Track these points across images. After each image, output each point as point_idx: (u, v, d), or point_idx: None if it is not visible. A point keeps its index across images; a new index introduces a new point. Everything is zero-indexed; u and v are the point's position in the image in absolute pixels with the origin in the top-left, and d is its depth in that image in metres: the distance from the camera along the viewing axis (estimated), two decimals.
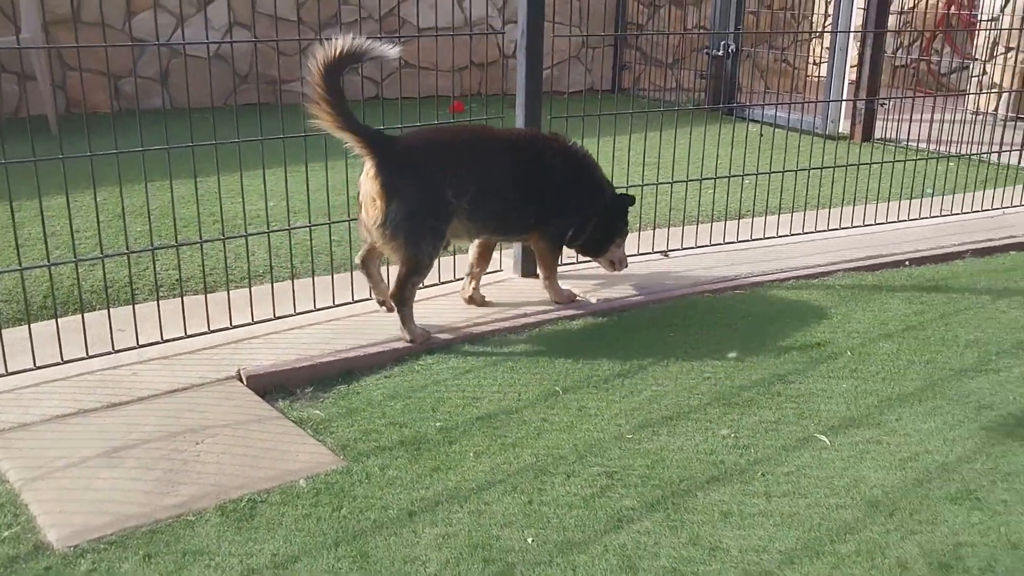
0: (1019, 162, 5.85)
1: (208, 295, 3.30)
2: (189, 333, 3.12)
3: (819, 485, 2.35)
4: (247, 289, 3.43)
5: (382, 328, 3.26)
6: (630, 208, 3.64)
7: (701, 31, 9.62)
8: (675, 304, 3.64)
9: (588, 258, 3.76)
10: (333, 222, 3.73)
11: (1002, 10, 8.32)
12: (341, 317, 3.39)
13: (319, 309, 3.39)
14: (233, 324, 3.20)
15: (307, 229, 3.75)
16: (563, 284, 3.67)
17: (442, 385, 2.90)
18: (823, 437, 2.60)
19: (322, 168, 3.65)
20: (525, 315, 3.47)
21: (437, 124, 3.70)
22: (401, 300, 3.17)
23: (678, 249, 4.28)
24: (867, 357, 3.16)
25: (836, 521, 2.19)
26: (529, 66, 3.59)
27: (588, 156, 3.55)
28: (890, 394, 2.88)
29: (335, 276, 3.53)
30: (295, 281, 3.52)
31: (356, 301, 3.48)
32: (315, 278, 3.60)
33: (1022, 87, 8.28)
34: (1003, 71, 8.42)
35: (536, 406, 2.77)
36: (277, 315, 3.30)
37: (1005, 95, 8.30)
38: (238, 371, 2.91)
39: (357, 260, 3.35)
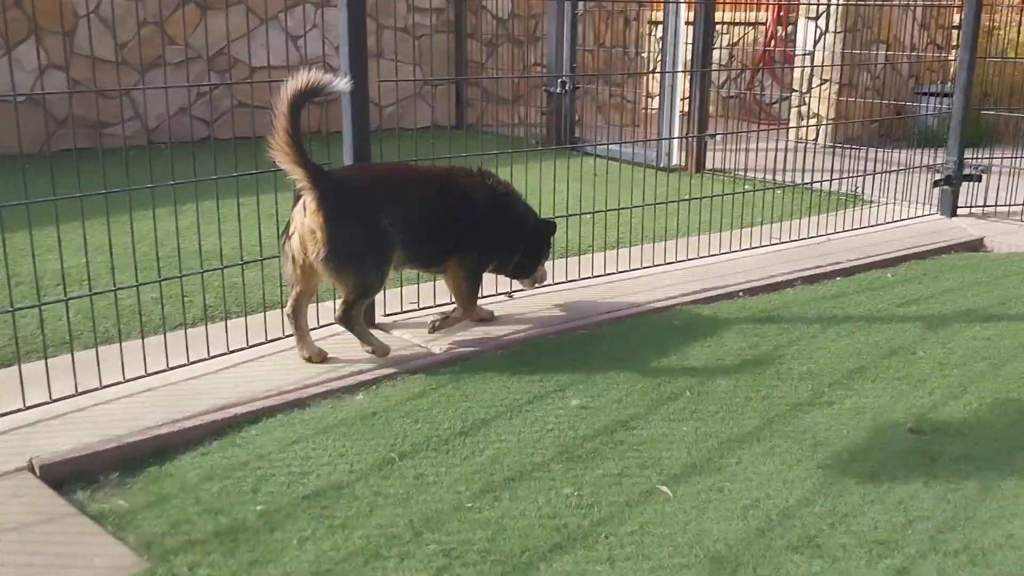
0: (840, 189, 6.11)
1: None
2: None
3: (663, 543, 2.27)
4: (43, 362, 3.08)
5: (200, 397, 3.00)
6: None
7: (537, 70, 9.71)
8: (518, 349, 3.54)
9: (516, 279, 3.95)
10: (141, 284, 3.43)
11: (814, 45, 8.77)
12: (156, 387, 3.10)
13: (129, 380, 3.10)
14: (27, 405, 2.87)
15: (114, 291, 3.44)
16: (397, 333, 3.52)
17: (265, 460, 2.68)
18: (666, 488, 2.53)
19: (128, 221, 3.37)
20: (362, 372, 3.28)
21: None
22: (350, 320, 3.30)
23: (520, 290, 4.19)
24: (706, 395, 3.13)
25: None
26: (354, 110, 3.43)
27: (511, 190, 3.72)
28: (729, 435, 2.85)
29: (146, 340, 3.25)
30: (99, 349, 3.19)
31: (172, 368, 3.20)
32: (122, 344, 3.28)
33: (837, 117, 8.74)
34: (819, 102, 8.87)
35: (369, 477, 2.59)
36: (80, 390, 2.99)
37: (825, 123, 8.74)
38: (30, 461, 2.59)
39: (288, 310, 3.33)
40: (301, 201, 3.18)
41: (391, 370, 3.30)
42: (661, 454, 2.73)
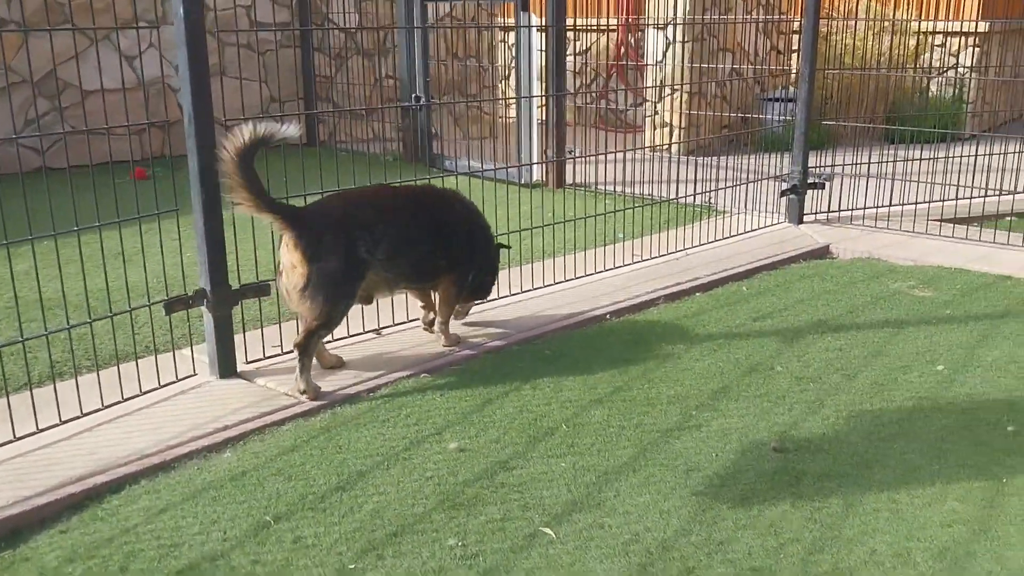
0: (695, 201, 6.32)
1: None
2: None
3: None
4: None
5: (53, 469, 2.83)
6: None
7: (389, 83, 9.64)
8: (388, 392, 3.49)
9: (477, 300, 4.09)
10: None
11: (664, 55, 9.06)
12: (1, 460, 2.90)
13: None
14: None
15: None
16: (261, 381, 3.43)
17: (132, 534, 2.54)
18: (548, 530, 2.55)
19: None
20: (226, 427, 3.16)
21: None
22: (305, 349, 3.37)
23: (390, 326, 4.14)
24: (581, 428, 3.18)
25: None
26: (199, 132, 3.28)
27: (477, 208, 3.92)
28: (606, 468, 2.90)
29: None
30: None
31: (19, 438, 3.00)
32: None
33: (688, 126, 9.06)
34: (671, 111, 9.17)
35: (245, 544, 2.50)
36: None
37: (676, 132, 9.04)
38: None
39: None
40: (283, 240, 3.34)
41: (259, 423, 3.20)
42: (542, 493, 2.75)
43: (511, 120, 8.79)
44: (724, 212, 6.28)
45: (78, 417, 3.14)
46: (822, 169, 6.30)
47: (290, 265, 3.32)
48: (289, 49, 9.37)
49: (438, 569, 2.38)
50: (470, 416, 3.28)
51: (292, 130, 3.20)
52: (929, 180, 6.42)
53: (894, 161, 6.43)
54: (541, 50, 7.60)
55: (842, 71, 9.02)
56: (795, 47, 10.49)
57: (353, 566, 2.40)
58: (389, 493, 2.77)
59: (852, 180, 6.48)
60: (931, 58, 10.21)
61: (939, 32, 9.90)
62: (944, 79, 10.03)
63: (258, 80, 9.10)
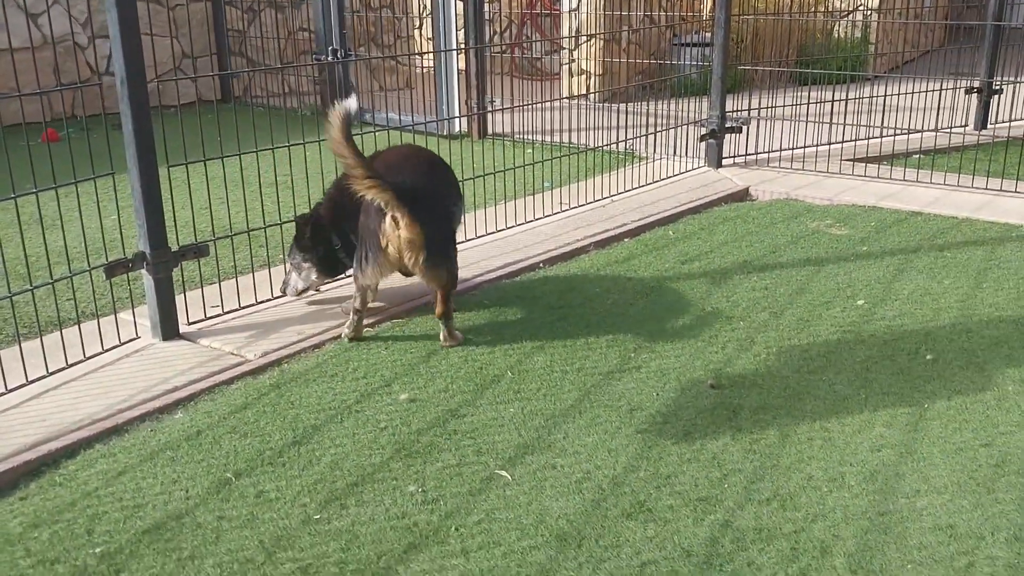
0: (617, 148, 6.44)
1: None
2: None
3: (510, 528, 2.40)
4: None
5: (5, 436, 2.82)
6: None
7: (303, 35, 9.47)
8: (337, 346, 3.55)
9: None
10: None
11: (578, 2, 9.10)
12: None
13: None
14: None
15: None
16: (206, 342, 3.44)
17: (94, 497, 2.57)
18: (504, 473, 2.66)
19: None
20: (175, 388, 3.17)
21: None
22: (449, 314, 3.55)
23: (328, 281, 4.17)
24: (526, 374, 3.29)
25: (533, 566, 2.26)
26: (135, 115, 3.25)
27: None
28: (553, 411, 3.02)
29: None
30: None
31: None
32: None
33: (604, 73, 9.16)
34: (587, 58, 9.24)
35: (208, 501, 2.55)
36: None
37: (594, 80, 9.13)
38: None
39: (359, 305, 3.56)
40: (389, 217, 3.33)
41: (208, 383, 3.22)
42: (494, 438, 2.86)
43: (428, 70, 8.75)
44: (645, 158, 6.43)
45: (24, 385, 3.12)
46: (739, 113, 6.48)
47: (408, 241, 3.35)
48: (199, 3, 9.10)
49: (401, 515, 2.48)
50: (416, 367, 3.36)
51: (353, 102, 3.33)
52: (839, 121, 6.67)
53: (807, 104, 6.65)
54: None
55: (756, 16, 9.20)
56: None
57: (318, 516, 2.47)
58: (345, 445, 2.84)
59: (767, 123, 6.69)
60: (836, 1, 10.49)
61: None
62: (849, 21, 10.33)
63: (169, 36, 8.84)
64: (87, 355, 3.33)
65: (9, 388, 3.08)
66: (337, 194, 3.72)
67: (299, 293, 3.91)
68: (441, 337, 3.56)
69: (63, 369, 3.25)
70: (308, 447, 2.83)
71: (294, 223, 3.79)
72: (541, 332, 3.65)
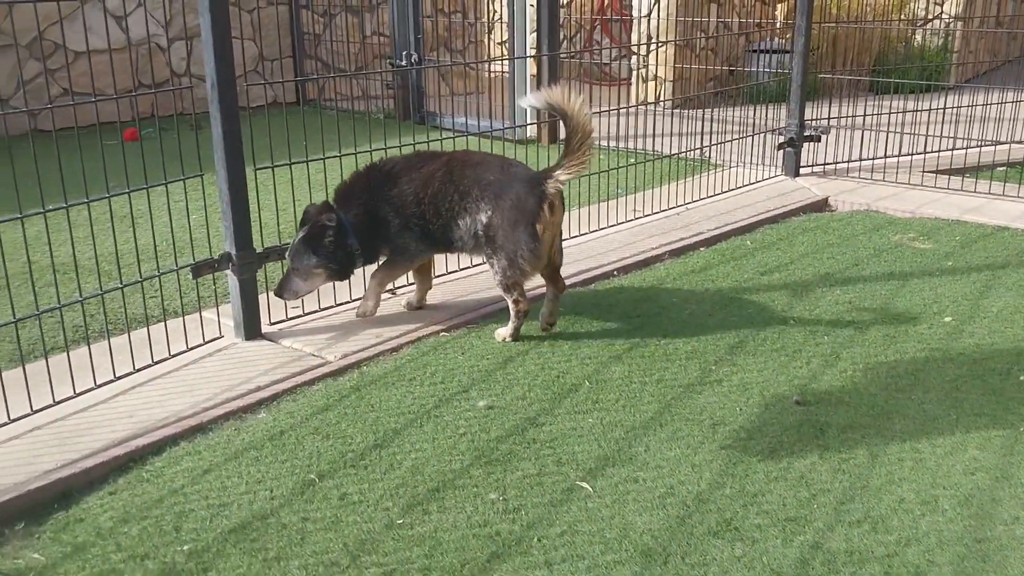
0: (688, 154, 6.37)
1: None
2: None
3: (593, 541, 2.38)
4: None
5: (95, 432, 2.88)
6: None
7: (376, 40, 9.56)
8: (414, 350, 3.56)
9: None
10: (20, 320, 3.23)
11: (653, 6, 9.04)
12: (42, 425, 2.94)
13: (14, 420, 2.92)
14: None
15: None
16: (286, 342, 3.47)
17: (180, 495, 2.61)
18: (585, 484, 2.64)
19: None
20: (258, 388, 3.22)
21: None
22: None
23: (404, 286, 4.19)
24: (604, 384, 3.26)
25: None
26: (224, 118, 3.31)
27: None
28: (633, 423, 2.99)
29: (27, 369, 3.07)
30: None
31: (59, 402, 3.04)
32: (1, 376, 3.08)
33: (676, 79, 9.08)
34: (658, 65, 9.17)
35: (293, 502, 2.57)
36: None
37: (665, 86, 9.05)
38: None
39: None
40: (547, 204, 3.46)
41: (290, 383, 3.26)
42: (573, 449, 2.83)
43: (495, 75, 8.76)
44: (719, 166, 6.34)
45: (112, 380, 3.19)
46: (817, 122, 6.36)
47: (557, 224, 3.57)
48: (277, 7, 9.25)
49: (483, 523, 2.47)
50: (493, 374, 3.36)
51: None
52: (919, 132, 6.50)
53: (889, 113, 6.50)
54: (532, 4, 7.56)
55: (838, 23, 9.03)
56: None
57: (401, 521, 2.48)
58: (425, 450, 2.84)
59: (845, 132, 6.56)
60: (915, 8, 10.25)
61: None
62: (929, 29, 10.08)
63: (244, 38, 8.98)
64: (172, 353, 3.39)
65: (98, 383, 3.15)
66: (370, 203, 3.62)
67: (297, 297, 3.71)
68: (548, 312, 3.69)
69: (149, 366, 3.31)
70: (389, 451, 2.84)
71: (309, 224, 3.57)
72: (618, 342, 3.62)
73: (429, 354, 3.52)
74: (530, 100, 3.49)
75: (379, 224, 3.64)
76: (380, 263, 3.80)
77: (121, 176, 3.24)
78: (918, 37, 10.06)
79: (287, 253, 3.59)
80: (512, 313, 3.60)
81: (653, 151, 6.32)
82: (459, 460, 2.78)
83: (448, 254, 3.99)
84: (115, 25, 7.83)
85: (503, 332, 3.64)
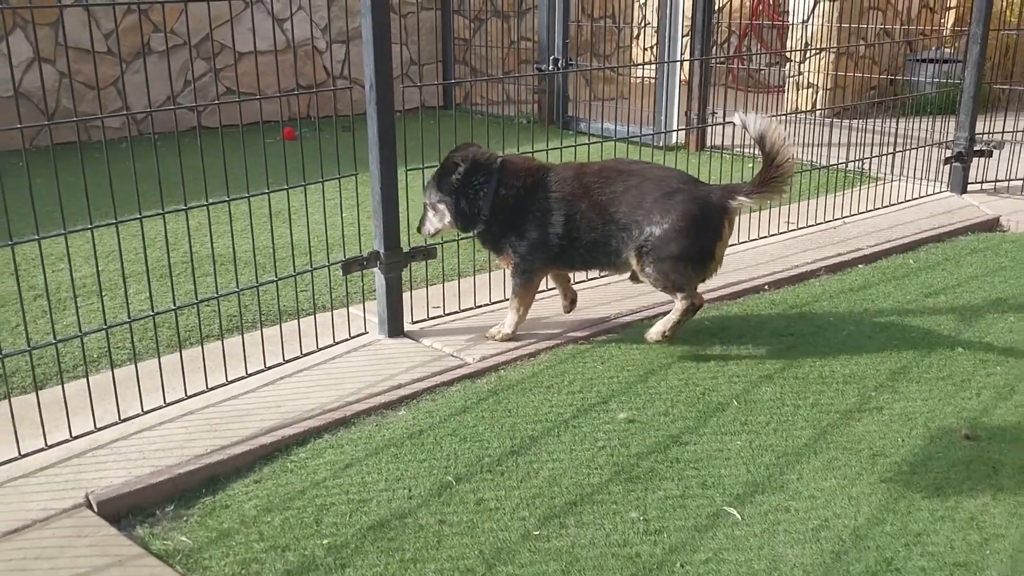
0: (846, 165, 6.07)
1: (38, 393, 2.86)
2: (23, 452, 2.71)
3: (740, 572, 2.25)
4: (83, 380, 3.00)
5: (243, 420, 2.95)
6: None
7: (525, 44, 9.57)
8: (552, 356, 3.50)
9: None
10: (180, 308, 3.36)
11: (811, 12, 8.70)
12: (195, 410, 3.04)
13: (169, 404, 3.03)
14: (73, 435, 2.80)
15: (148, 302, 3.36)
16: (427, 342, 3.48)
17: (322, 488, 2.63)
18: (732, 511, 2.51)
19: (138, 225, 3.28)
20: (400, 385, 3.23)
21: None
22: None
23: (543, 291, 4.13)
24: (753, 405, 3.11)
25: None
26: (380, 119, 3.34)
27: None
28: (785, 448, 2.84)
29: (183, 355, 3.18)
30: (138, 365, 3.11)
31: (211, 388, 3.13)
32: (161, 360, 3.19)
33: (834, 87, 8.70)
34: (815, 72, 8.82)
35: (430, 503, 2.55)
36: (123, 417, 2.93)
37: (820, 94, 8.69)
38: (86, 496, 2.53)
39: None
40: (727, 221, 3.45)
41: (430, 383, 3.26)
42: (719, 472, 2.71)
43: (637, 80, 8.61)
44: (879, 179, 6.03)
45: (262, 370, 3.26)
46: (988, 135, 5.96)
47: (726, 244, 3.53)
48: (429, 12, 9.40)
49: (623, 542, 2.38)
50: (634, 386, 3.26)
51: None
52: None
53: None
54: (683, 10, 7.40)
55: (1018, 31, 8.46)
56: (949, 4, 9.92)
57: (538, 532, 2.42)
58: (563, 460, 2.78)
59: (1020, 148, 6.12)
60: None
61: None
62: None
63: (399, 43, 9.18)
64: (319, 346, 3.45)
65: (249, 372, 3.23)
66: (524, 193, 3.48)
67: (432, 235, 3.67)
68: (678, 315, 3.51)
69: (298, 358, 3.38)
70: (526, 458, 2.79)
71: (447, 159, 3.50)
72: (768, 360, 3.45)
73: (567, 361, 3.45)
74: (740, 118, 3.36)
75: (516, 218, 3.48)
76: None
77: (279, 173, 3.32)
78: None
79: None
80: (678, 307, 3.43)
81: (808, 161, 6.07)
82: (598, 474, 2.70)
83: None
84: (277, 28, 8.13)
85: (659, 329, 3.48)
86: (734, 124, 3.45)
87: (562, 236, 3.46)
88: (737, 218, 3.54)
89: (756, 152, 6.32)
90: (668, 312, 3.51)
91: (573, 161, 3.79)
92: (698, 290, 3.50)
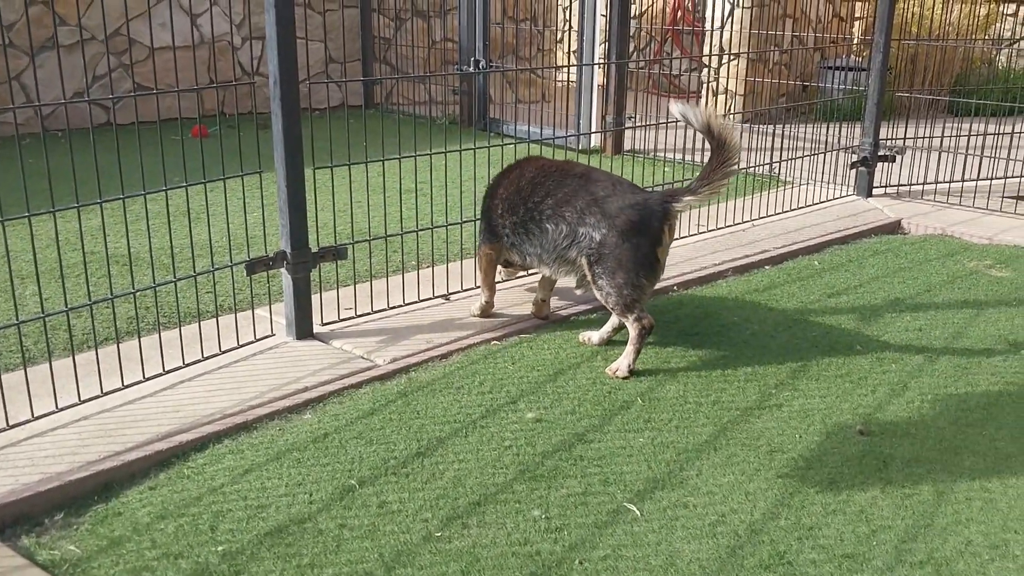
0: (757, 170, 6.21)
1: None
2: None
3: (637, 568, 2.28)
4: None
5: (140, 425, 2.87)
6: None
7: (446, 45, 9.55)
8: (464, 357, 3.49)
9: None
10: (95, 302, 3.25)
11: (727, 19, 8.88)
12: (89, 415, 2.94)
13: (62, 409, 2.93)
14: None
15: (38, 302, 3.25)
16: (337, 343, 3.42)
17: (219, 494, 2.57)
18: (632, 507, 2.54)
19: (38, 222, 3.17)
20: (306, 388, 3.18)
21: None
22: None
23: (458, 292, 4.13)
24: (657, 403, 3.15)
25: None
26: (285, 116, 3.29)
27: None
28: (686, 445, 2.88)
29: (77, 359, 3.08)
30: (29, 370, 3.00)
31: (106, 393, 3.04)
32: (53, 364, 3.08)
33: (748, 92, 8.89)
34: (730, 79, 9.00)
35: (331, 508, 2.52)
36: (11, 423, 2.82)
37: (735, 99, 8.88)
38: None
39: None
40: (668, 226, 3.40)
41: (337, 385, 3.22)
42: (622, 469, 2.73)
43: (560, 83, 8.67)
44: (788, 183, 6.17)
45: (161, 374, 3.18)
46: (892, 141, 6.15)
47: (667, 248, 3.49)
48: (351, 9, 9.32)
49: (523, 540, 2.38)
50: (544, 386, 3.27)
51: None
52: (1000, 155, 6.24)
53: (968, 136, 6.26)
54: (604, 15, 7.47)
55: (918, 41, 8.76)
56: (858, 14, 10.23)
57: (440, 534, 2.40)
58: (469, 461, 2.77)
59: (921, 153, 6.33)
60: (1002, 28, 9.91)
61: (1013, 0, 9.59)
62: (1015, 50, 9.74)
63: (314, 40, 9.07)
64: (223, 349, 3.38)
65: (147, 376, 3.15)
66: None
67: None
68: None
69: (199, 361, 3.30)
70: (432, 459, 2.77)
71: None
72: (674, 359, 3.50)
73: (479, 362, 3.45)
74: (680, 109, 3.29)
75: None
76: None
77: (182, 171, 3.25)
78: (1002, 58, 9.72)
79: None
80: (633, 336, 3.35)
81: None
82: (503, 474, 2.70)
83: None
84: (193, 24, 7.95)
85: (621, 365, 3.35)
86: (657, 124, 3.47)
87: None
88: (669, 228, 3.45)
89: (672, 156, 6.41)
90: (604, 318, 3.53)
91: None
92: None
